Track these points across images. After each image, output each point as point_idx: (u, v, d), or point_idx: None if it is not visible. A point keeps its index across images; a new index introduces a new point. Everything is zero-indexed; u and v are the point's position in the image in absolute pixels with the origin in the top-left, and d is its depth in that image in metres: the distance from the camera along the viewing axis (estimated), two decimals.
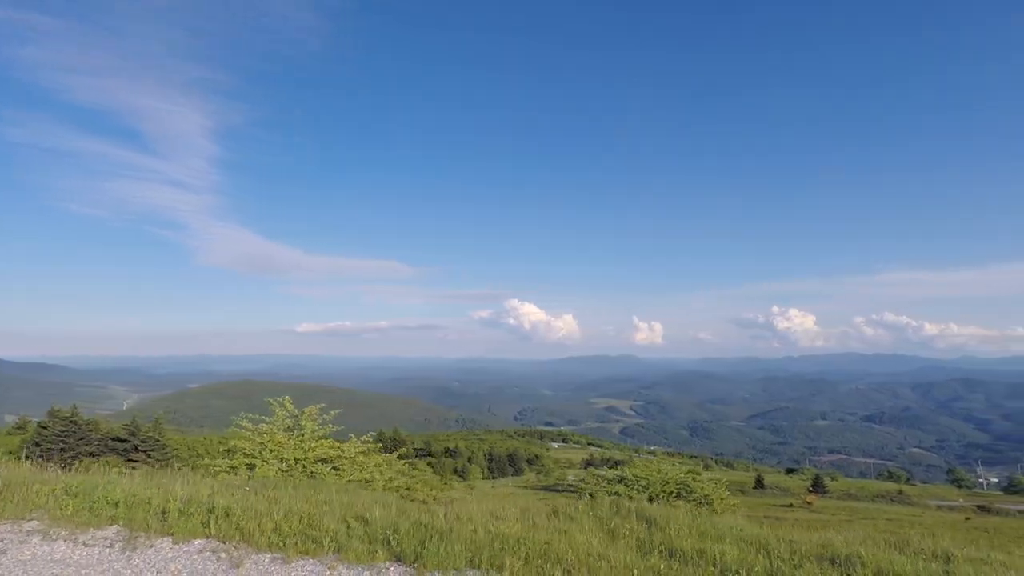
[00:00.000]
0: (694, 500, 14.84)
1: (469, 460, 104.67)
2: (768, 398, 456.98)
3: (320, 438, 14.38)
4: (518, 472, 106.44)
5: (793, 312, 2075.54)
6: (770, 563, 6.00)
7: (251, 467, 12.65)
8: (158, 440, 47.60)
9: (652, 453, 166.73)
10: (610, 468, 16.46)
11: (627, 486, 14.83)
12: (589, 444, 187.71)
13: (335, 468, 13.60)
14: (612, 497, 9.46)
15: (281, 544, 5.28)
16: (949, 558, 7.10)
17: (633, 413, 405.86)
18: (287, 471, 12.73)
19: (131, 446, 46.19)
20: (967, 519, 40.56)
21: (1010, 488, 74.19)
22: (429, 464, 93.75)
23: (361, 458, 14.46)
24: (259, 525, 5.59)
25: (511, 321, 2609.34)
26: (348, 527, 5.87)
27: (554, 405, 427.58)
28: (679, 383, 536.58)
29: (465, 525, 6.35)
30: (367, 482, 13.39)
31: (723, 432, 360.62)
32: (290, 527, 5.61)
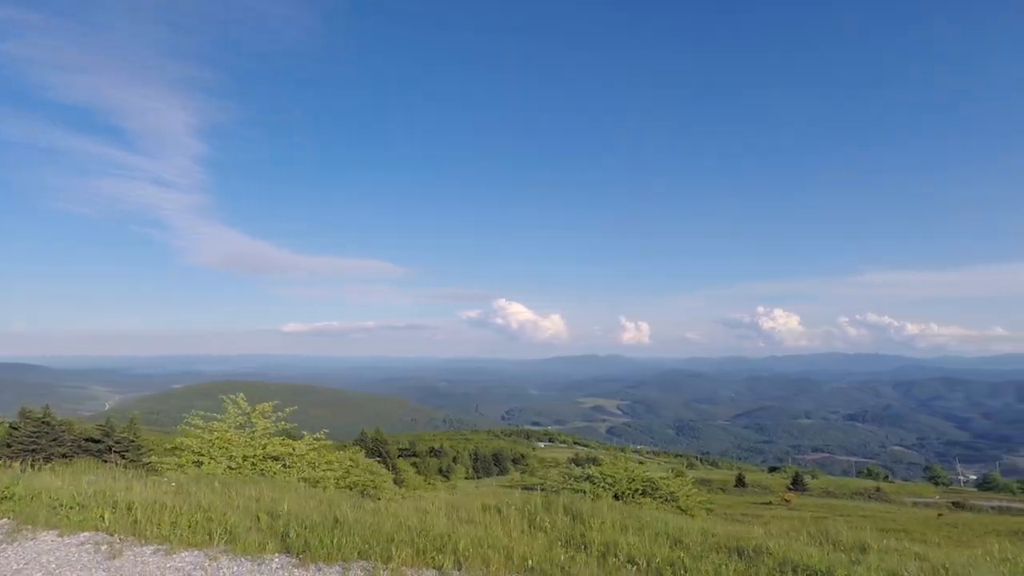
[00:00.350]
0: (660, 497, 14.98)
1: (454, 460, 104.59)
2: (753, 397, 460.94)
3: (272, 435, 14.24)
4: (503, 471, 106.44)
5: (778, 312, 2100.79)
6: (676, 553, 6.06)
7: (198, 464, 12.53)
8: (133, 441, 46.97)
9: (638, 452, 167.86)
10: (577, 466, 16.57)
11: (594, 483, 14.93)
12: (575, 443, 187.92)
13: (285, 466, 13.50)
14: (542, 493, 9.47)
15: (172, 537, 5.24)
16: (864, 549, 7.24)
17: (620, 412, 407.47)
18: (236, 468, 12.62)
19: (105, 447, 45.55)
20: (939, 515, 41.20)
21: (984, 485, 75.59)
22: (414, 464, 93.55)
23: (312, 455, 14.36)
24: (156, 519, 5.55)
25: (499, 321, 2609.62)
26: (256, 521, 5.84)
27: (541, 405, 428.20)
28: (666, 382, 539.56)
29: (376, 517, 6.35)
30: (317, 480, 13.30)
31: (709, 431, 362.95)
32: (188, 521, 5.58)
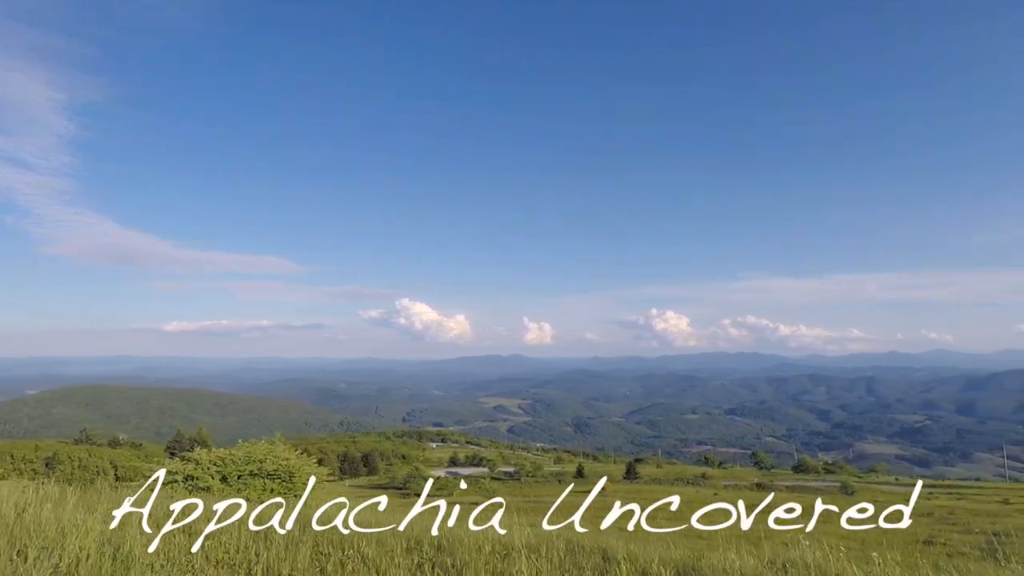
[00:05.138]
0: (275, 478, 15.37)
1: (320, 462, 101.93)
2: (646, 394, 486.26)
3: None
4: (373, 472, 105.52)
5: (670, 314, 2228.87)
6: None
7: None
8: None
9: (526, 450, 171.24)
10: (203, 451, 16.62)
11: (199, 466, 15.03)
12: (468, 443, 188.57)
13: None
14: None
15: None
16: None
17: (521, 412, 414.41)
18: None
19: None
20: (715, 494, 45.49)
21: (797, 467, 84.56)
22: None
23: None
24: None
25: (402, 321, 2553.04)
26: None
27: (443, 405, 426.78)
28: (566, 381, 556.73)
29: None
30: None
31: (605, 428, 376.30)
32: None
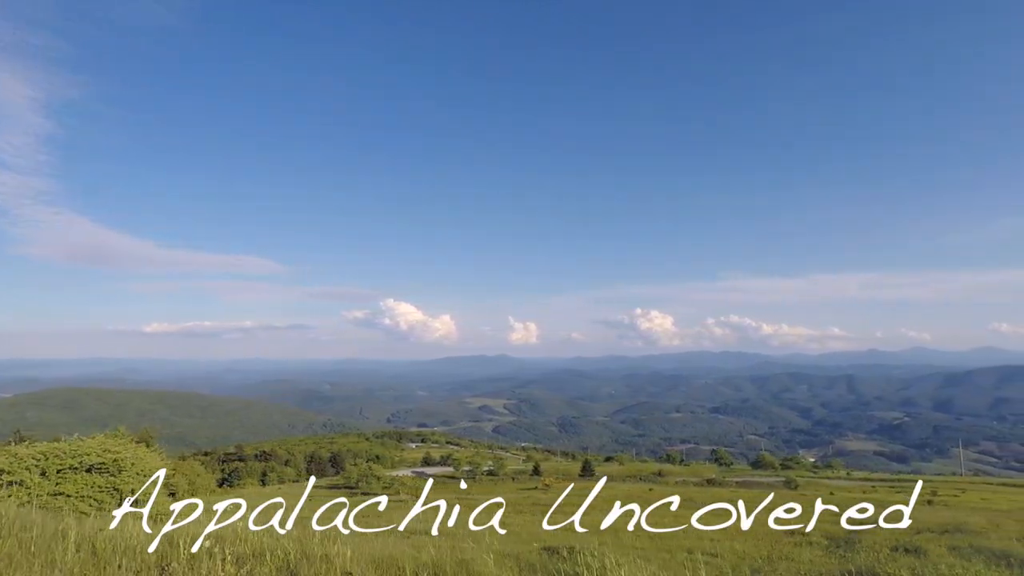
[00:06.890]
0: (100, 472, 15.20)
1: (287, 463, 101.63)
2: (631, 393, 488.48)
3: None
4: (340, 472, 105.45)
5: (654, 314, 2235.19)
6: None
7: None
8: None
9: (504, 449, 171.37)
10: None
11: (16, 459, 14.78)
12: (448, 443, 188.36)
13: None
14: None
15: None
16: None
17: (506, 411, 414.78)
18: None
19: None
20: (650, 490, 45.87)
21: (756, 464, 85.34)
22: (232, 470, 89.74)
23: None
24: None
25: (387, 321, 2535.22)
26: None
27: (429, 406, 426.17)
28: (551, 381, 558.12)
29: None
30: None
31: (589, 427, 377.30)
32: None
